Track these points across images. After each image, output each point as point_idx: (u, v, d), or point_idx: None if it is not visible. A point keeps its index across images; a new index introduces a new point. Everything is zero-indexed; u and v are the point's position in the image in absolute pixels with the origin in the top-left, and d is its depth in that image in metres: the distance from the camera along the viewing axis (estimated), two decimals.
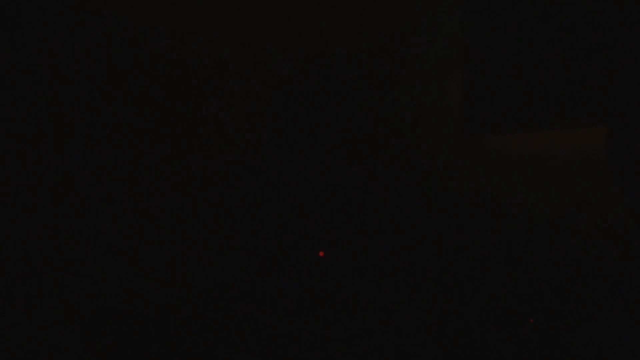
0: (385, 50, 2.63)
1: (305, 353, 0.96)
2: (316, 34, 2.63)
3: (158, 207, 2.23)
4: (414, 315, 1.19)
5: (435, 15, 2.32)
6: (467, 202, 2.21)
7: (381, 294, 1.38)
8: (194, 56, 2.32)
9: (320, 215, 1.50)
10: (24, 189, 1.86)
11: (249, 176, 1.86)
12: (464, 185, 2.25)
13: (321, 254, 1.41)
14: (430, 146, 2.40)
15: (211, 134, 2.39)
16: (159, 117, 2.26)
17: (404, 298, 1.29)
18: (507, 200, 2.05)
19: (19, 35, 1.84)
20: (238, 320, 1.18)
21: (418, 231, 2.40)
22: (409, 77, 2.49)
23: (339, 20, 2.60)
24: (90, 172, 2.04)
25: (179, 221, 2.27)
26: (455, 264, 1.76)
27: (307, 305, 1.31)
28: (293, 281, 1.39)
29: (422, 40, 2.41)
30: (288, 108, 1.64)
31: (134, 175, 2.16)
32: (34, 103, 1.90)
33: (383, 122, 2.64)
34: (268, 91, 2.46)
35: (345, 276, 1.42)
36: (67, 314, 1.63)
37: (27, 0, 1.81)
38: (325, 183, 1.79)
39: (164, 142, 2.28)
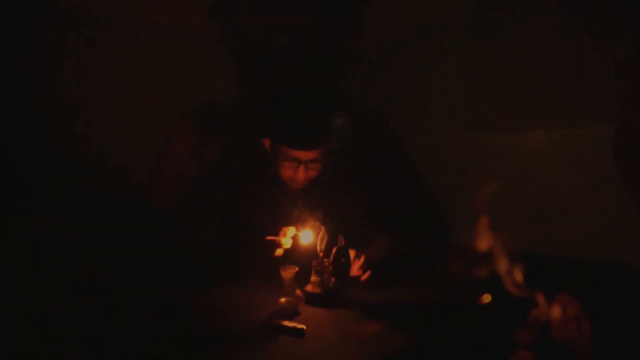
0: (386, 49, 2.63)
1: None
2: (319, 30, 2.62)
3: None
4: (412, 315, 1.19)
5: (436, 15, 2.31)
6: (466, 202, 2.20)
7: (380, 292, 1.37)
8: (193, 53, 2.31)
9: (319, 214, 1.49)
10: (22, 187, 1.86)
11: (252, 174, 1.84)
12: (464, 185, 2.24)
13: (321, 254, 1.40)
14: (430, 146, 2.40)
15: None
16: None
17: (403, 296, 1.29)
18: (507, 201, 2.04)
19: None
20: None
21: (417, 231, 2.39)
22: (409, 75, 2.49)
23: (342, 17, 2.59)
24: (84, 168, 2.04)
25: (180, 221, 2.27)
26: (454, 263, 1.75)
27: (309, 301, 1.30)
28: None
29: (424, 39, 2.41)
30: (289, 104, 1.63)
31: (133, 175, 2.16)
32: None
33: (382, 121, 2.63)
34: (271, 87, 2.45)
35: (344, 276, 1.41)
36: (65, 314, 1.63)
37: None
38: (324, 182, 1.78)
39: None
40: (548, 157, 1.88)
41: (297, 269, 1.25)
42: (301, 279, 1.30)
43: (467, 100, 2.19)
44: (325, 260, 1.33)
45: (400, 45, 2.52)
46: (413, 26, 2.44)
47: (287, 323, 1.06)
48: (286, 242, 1.43)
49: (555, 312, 0.95)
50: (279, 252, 1.49)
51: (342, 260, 1.36)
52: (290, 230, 1.44)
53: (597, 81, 1.67)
